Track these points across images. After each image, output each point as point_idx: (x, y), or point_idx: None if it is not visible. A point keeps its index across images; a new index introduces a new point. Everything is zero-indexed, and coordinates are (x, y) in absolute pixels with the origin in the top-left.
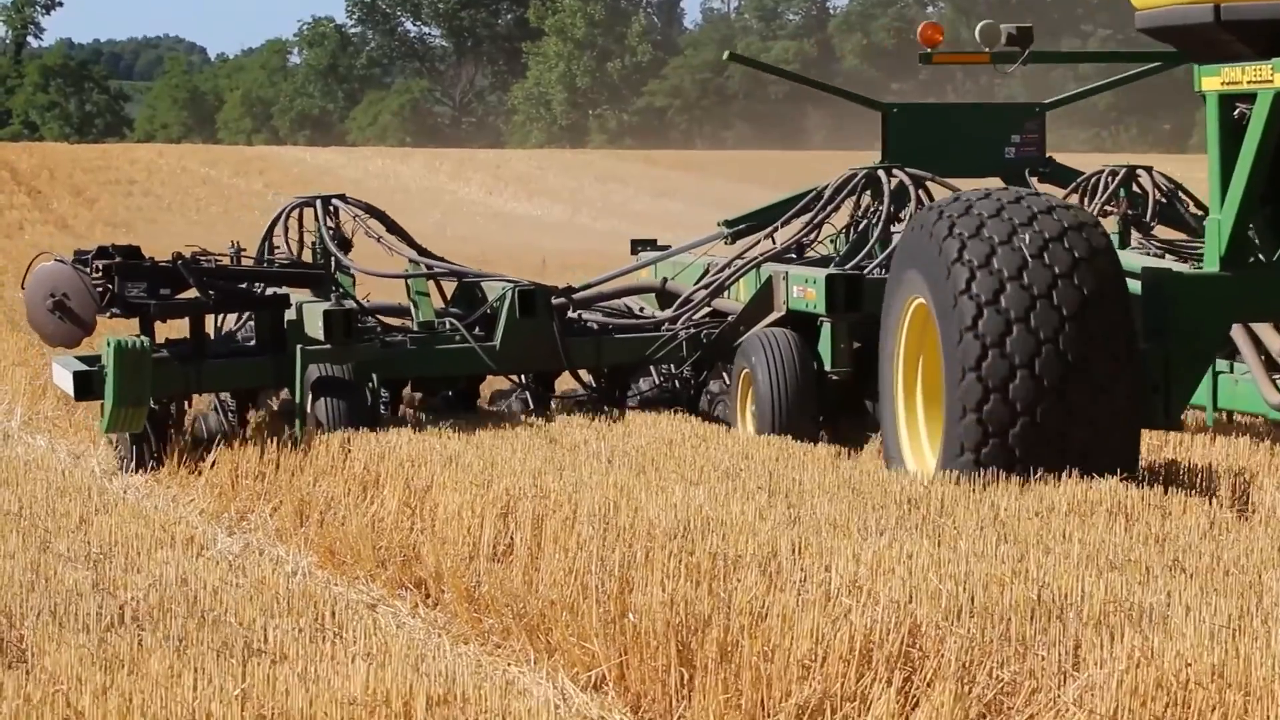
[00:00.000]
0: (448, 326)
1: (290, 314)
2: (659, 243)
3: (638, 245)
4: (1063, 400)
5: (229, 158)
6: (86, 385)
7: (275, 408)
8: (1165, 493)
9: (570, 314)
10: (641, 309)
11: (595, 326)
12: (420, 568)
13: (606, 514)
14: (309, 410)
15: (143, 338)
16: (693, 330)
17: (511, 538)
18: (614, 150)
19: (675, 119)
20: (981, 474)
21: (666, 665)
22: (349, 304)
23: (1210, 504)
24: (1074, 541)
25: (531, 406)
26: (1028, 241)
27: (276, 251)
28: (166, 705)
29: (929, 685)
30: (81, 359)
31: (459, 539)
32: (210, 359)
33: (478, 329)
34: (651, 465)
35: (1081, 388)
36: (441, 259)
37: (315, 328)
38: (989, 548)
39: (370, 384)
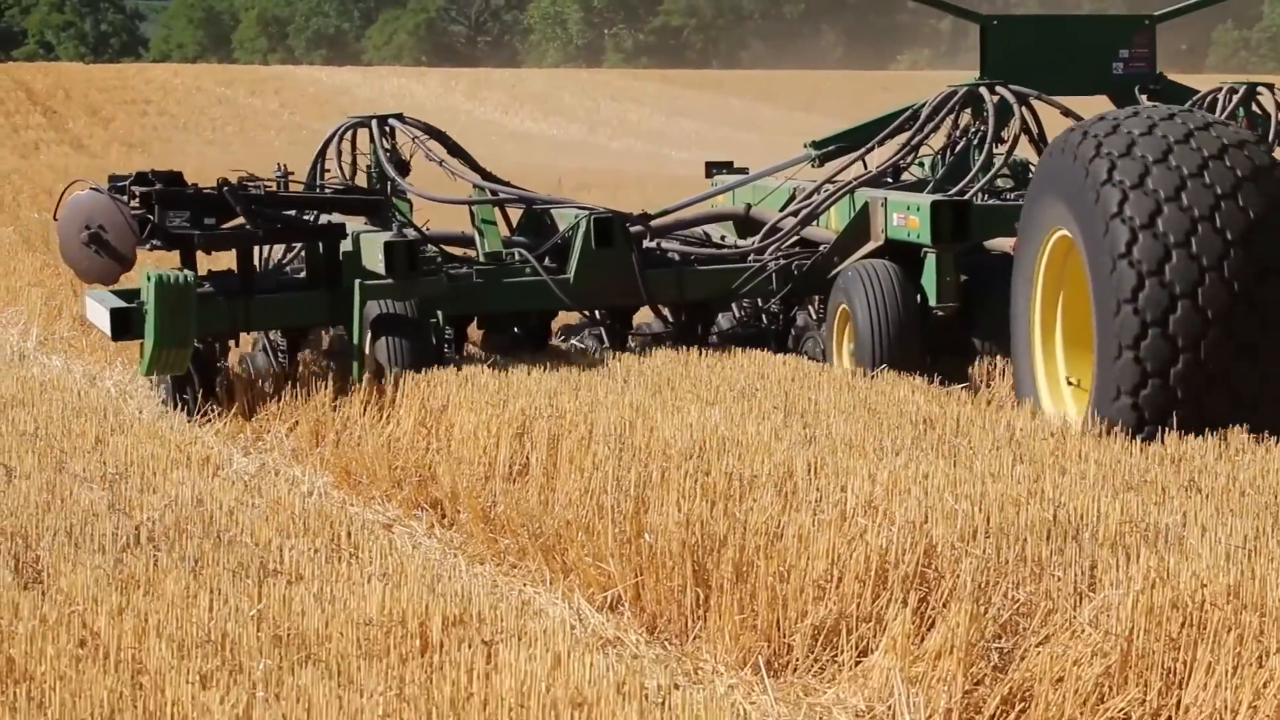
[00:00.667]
0: (516, 258)
1: (346, 245)
2: (735, 165)
3: (713, 168)
4: (1229, 334)
5: (244, 77)
6: (124, 324)
7: (325, 347)
8: None
9: (647, 243)
10: (723, 238)
11: (676, 257)
12: (436, 488)
13: (622, 434)
14: (368, 351)
15: (185, 272)
16: (782, 261)
17: (527, 457)
18: (630, 69)
19: (691, 38)
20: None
21: (682, 585)
22: (410, 233)
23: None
24: (1090, 462)
25: (605, 343)
26: (1185, 160)
27: (328, 176)
28: (182, 626)
29: (944, 606)
30: (118, 294)
31: (474, 459)
32: (259, 294)
33: (548, 260)
34: (667, 385)
35: (1250, 320)
36: (508, 183)
37: (375, 260)
38: (1005, 468)
39: (434, 321)
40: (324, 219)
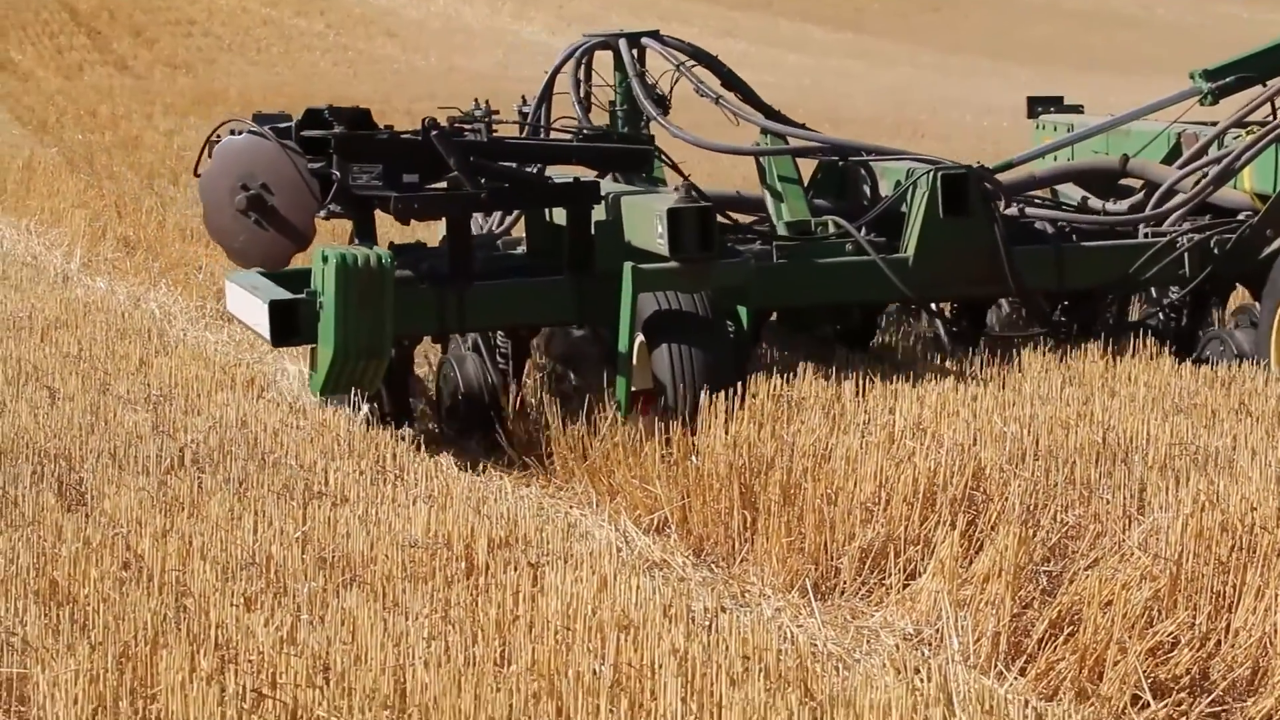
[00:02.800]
0: (830, 230)
1: (598, 212)
2: (1065, 102)
3: (1037, 104)
4: None
5: None
6: (290, 322)
7: (549, 350)
8: None
9: (1005, 210)
10: (1085, 200)
11: (1048, 229)
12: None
13: None
14: (646, 363)
15: (379, 250)
16: (1195, 236)
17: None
18: None
19: None
20: None
21: (729, 508)
22: (688, 195)
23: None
24: (1139, 385)
25: (948, 346)
26: None
27: (555, 118)
28: (226, 548)
29: (993, 529)
30: (275, 279)
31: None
32: (478, 281)
33: (869, 233)
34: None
35: None
36: (803, 126)
37: (648, 233)
38: (1054, 390)
39: (733, 321)
40: (560, 177)
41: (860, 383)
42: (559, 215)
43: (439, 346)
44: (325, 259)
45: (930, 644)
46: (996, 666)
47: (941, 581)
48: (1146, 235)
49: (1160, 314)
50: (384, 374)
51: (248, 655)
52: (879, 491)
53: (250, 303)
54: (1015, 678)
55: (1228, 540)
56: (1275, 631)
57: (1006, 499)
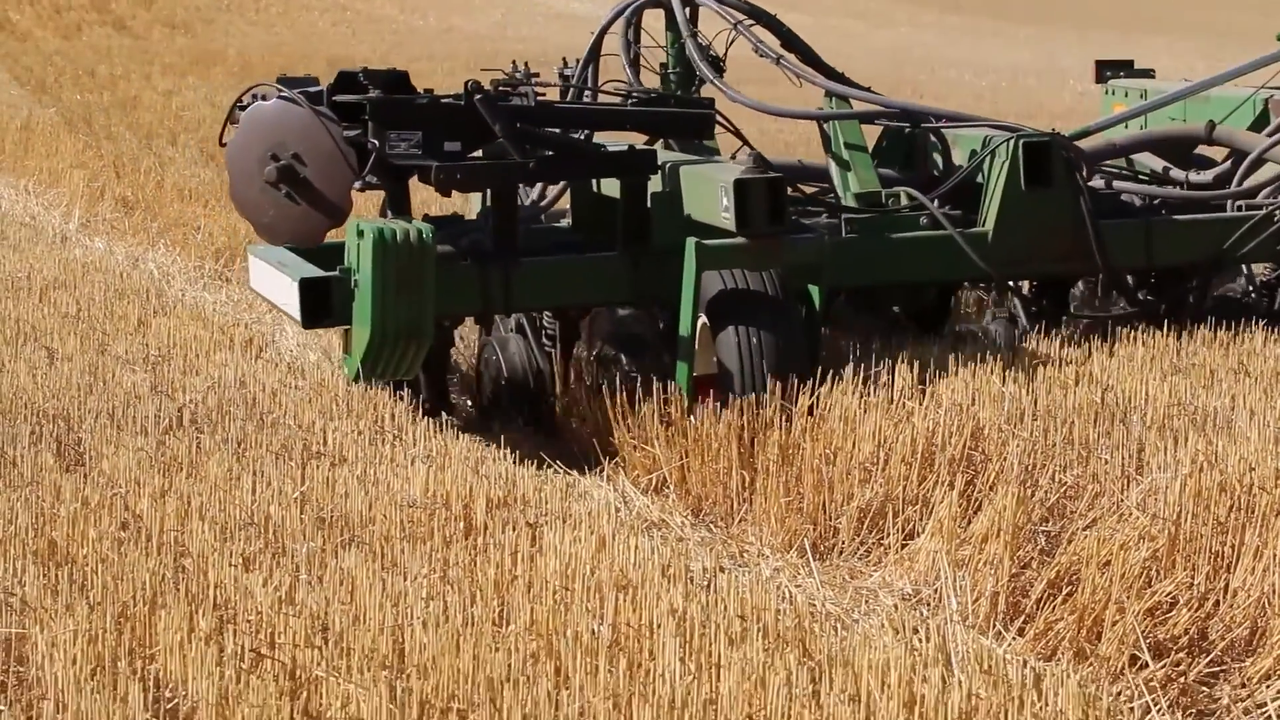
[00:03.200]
0: (902, 202)
1: (653, 183)
2: (1135, 66)
3: (1106, 69)
4: None
5: None
6: (322, 302)
7: (594, 330)
8: None
9: (1088, 181)
10: (1166, 169)
11: (1137, 202)
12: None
13: None
14: (709, 347)
15: (419, 224)
16: None
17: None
18: None
19: None
20: None
21: (728, 468)
22: (755, 164)
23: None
24: (1138, 345)
25: (1025, 327)
26: None
27: (603, 81)
28: (225, 508)
29: (991, 489)
30: (300, 253)
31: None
32: (525, 257)
33: (942, 205)
34: None
35: None
36: (867, 89)
37: (710, 206)
38: (1053, 350)
39: (804, 302)
40: (607, 145)
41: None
42: (607, 186)
43: (478, 328)
44: (361, 233)
45: (929, 604)
46: (995, 626)
47: (940, 541)
48: (1239, 208)
49: (1252, 292)
50: (421, 360)
51: (246, 615)
52: (877, 451)
53: (277, 280)
54: (1013, 638)
55: (1226, 500)
56: (1274, 592)
57: (1005, 459)
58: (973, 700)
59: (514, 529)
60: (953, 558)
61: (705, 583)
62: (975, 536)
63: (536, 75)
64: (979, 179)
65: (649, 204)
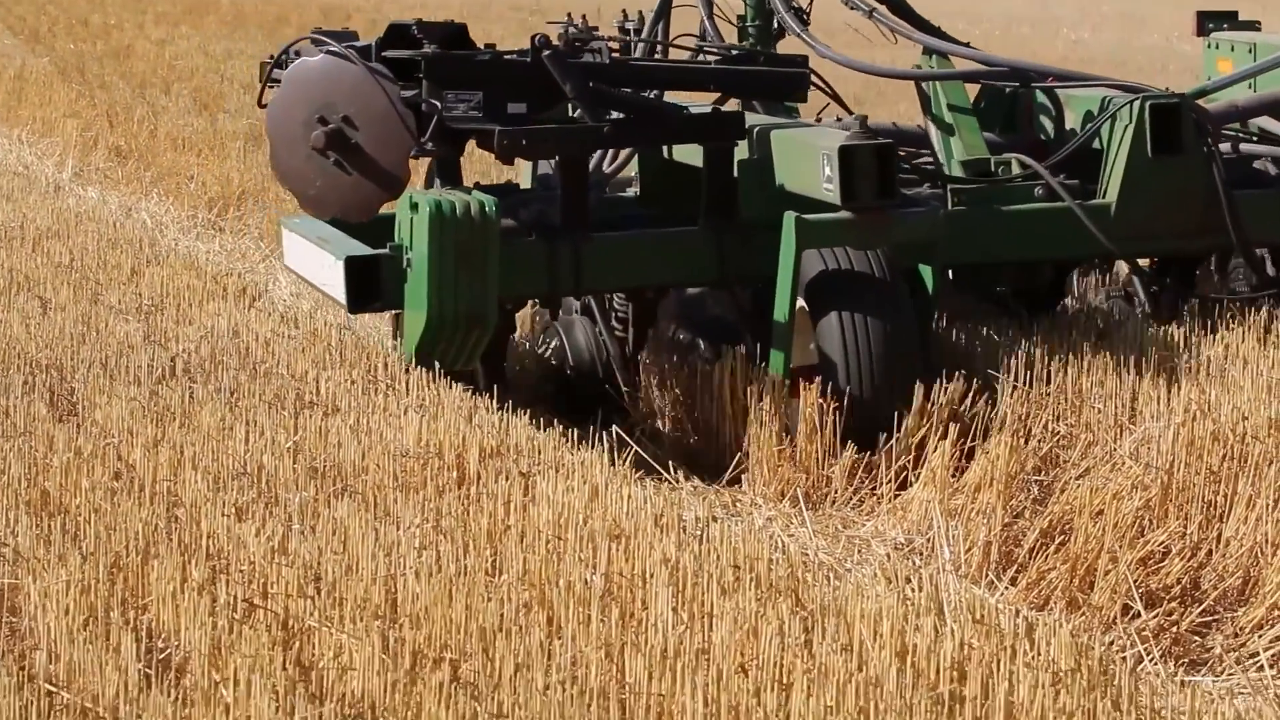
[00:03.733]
0: (1015, 170)
1: (739, 149)
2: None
3: (1208, 20)
4: None
5: None
6: (371, 283)
7: (662, 311)
8: None
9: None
10: None
11: (1272, 170)
12: None
13: None
14: (808, 335)
15: (480, 196)
16: None
17: None
18: None
19: None
20: None
21: (721, 417)
22: (853, 128)
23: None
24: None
25: (1144, 307)
26: None
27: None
28: (218, 458)
29: (984, 438)
30: (342, 227)
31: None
32: (597, 233)
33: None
34: None
35: None
36: (967, 44)
37: (810, 176)
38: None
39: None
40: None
41: None
42: (679, 151)
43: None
44: (415, 206)
45: (921, 554)
46: (987, 576)
47: (933, 491)
48: None
49: None
50: (483, 347)
51: (239, 565)
52: None
53: (317, 258)
54: (1006, 587)
55: (1219, 450)
56: (1266, 541)
57: (998, 408)
58: (965, 649)
59: (507, 478)
60: (945, 507)
61: (698, 532)
62: (968, 486)
63: (596, 29)
64: (1095, 145)
65: (735, 173)
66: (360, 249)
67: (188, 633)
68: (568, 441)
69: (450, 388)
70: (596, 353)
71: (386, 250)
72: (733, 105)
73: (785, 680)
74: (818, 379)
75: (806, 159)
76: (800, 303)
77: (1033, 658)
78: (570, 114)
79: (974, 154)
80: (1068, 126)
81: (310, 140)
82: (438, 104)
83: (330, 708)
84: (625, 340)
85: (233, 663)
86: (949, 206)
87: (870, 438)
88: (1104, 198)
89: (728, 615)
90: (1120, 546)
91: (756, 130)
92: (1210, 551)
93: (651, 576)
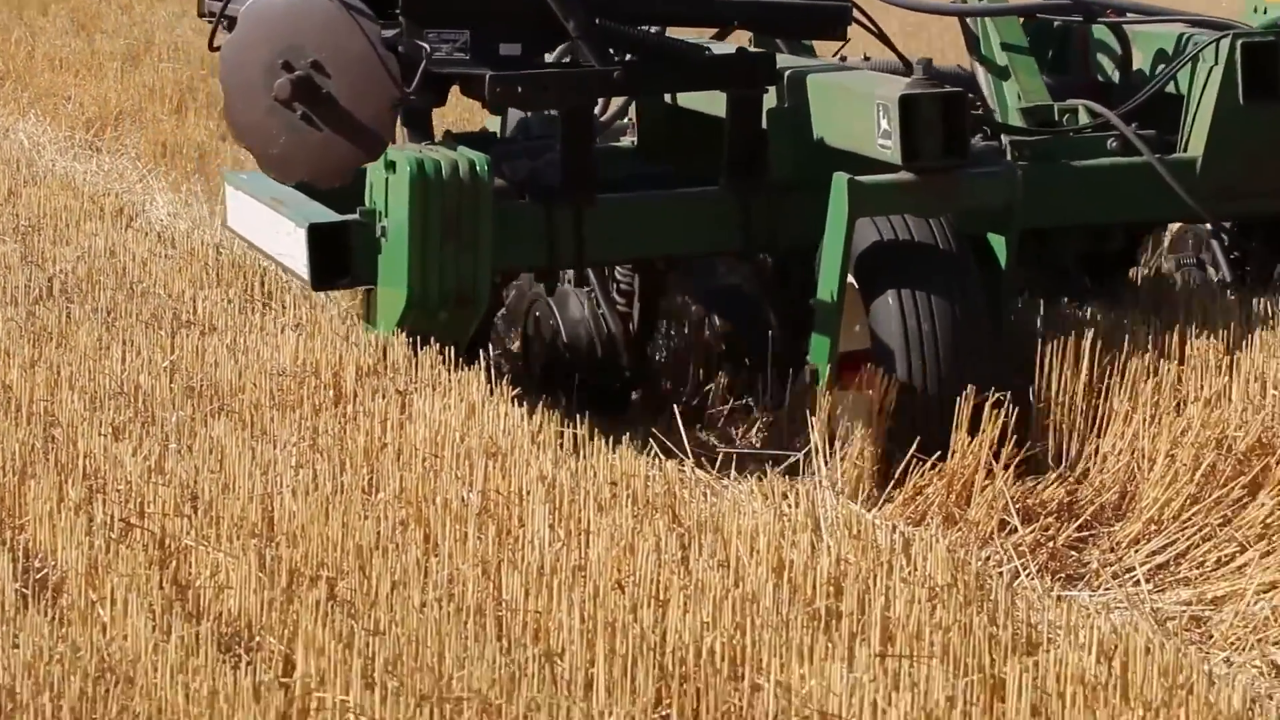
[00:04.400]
0: (1081, 119)
1: (769, 99)
2: None
3: None
4: None
5: None
6: (338, 257)
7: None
8: None
9: None
10: None
11: None
12: None
13: None
14: (859, 317)
15: (469, 153)
16: None
17: None
18: None
19: None
20: None
21: None
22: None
23: None
24: None
25: (1224, 274)
26: None
27: None
28: (94, 378)
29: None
30: (301, 186)
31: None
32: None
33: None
34: None
35: None
36: None
37: (860, 130)
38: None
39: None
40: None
41: None
42: (686, 97)
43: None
44: (391, 165)
45: (799, 471)
46: (864, 493)
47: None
48: None
49: None
50: (473, 324)
51: (116, 485)
52: None
53: (272, 222)
54: (883, 504)
55: (1097, 365)
56: (1143, 456)
57: None
58: (841, 565)
59: (384, 397)
60: (823, 424)
61: (574, 449)
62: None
63: None
64: (1170, 89)
65: (764, 124)
66: (324, 214)
67: (64, 552)
68: (444, 360)
69: (327, 307)
70: (594, 330)
71: (357, 216)
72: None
73: (662, 597)
74: (868, 366)
75: (857, 110)
76: (850, 280)
77: (909, 573)
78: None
79: (1035, 100)
80: (1135, 68)
81: (273, 90)
82: (425, 46)
83: (207, 626)
84: (630, 317)
85: (109, 582)
86: (1019, 164)
87: (934, 437)
88: (1188, 151)
89: (604, 532)
90: (996, 462)
91: (790, 75)
92: (1087, 469)
93: (528, 494)
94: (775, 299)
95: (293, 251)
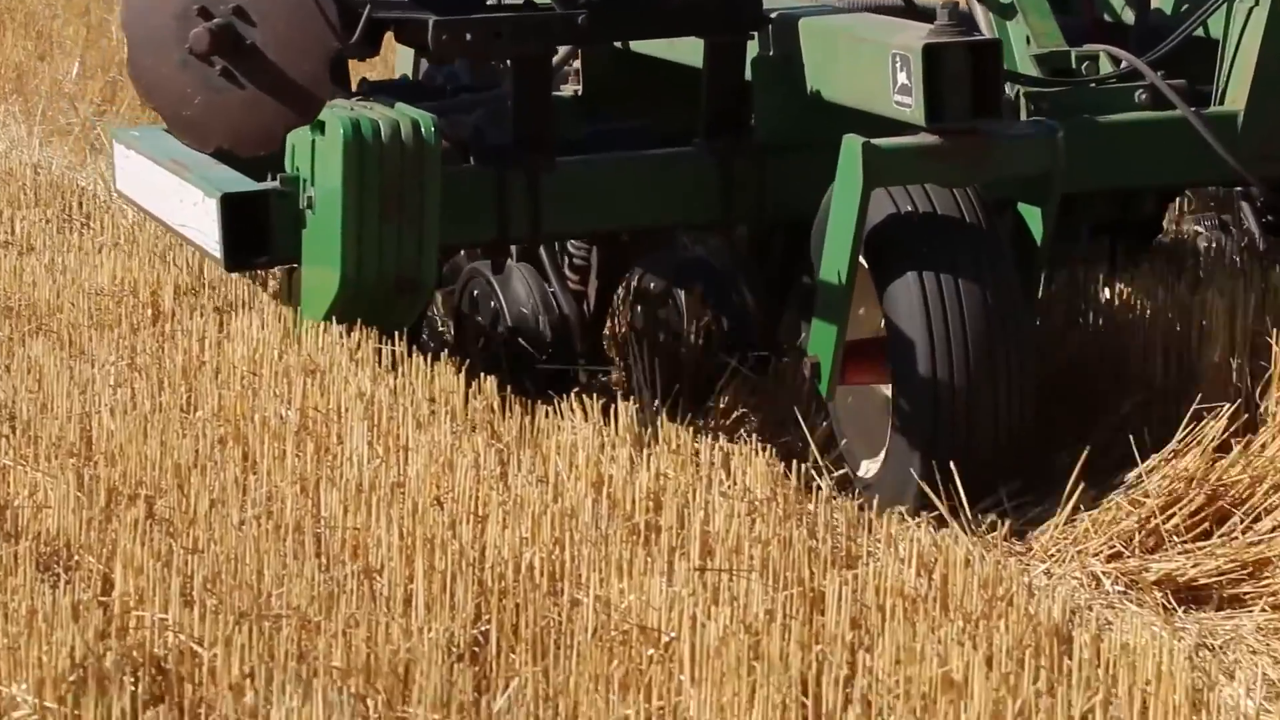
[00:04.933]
0: (1103, 68)
1: (752, 48)
2: None
3: None
4: None
5: None
6: (254, 232)
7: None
8: None
9: None
10: None
11: None
12: None
13: None
14: (871, 303)
15: (411, 111)
16: None
17: None
18: None
19: None
20: None
21: None
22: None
23: None
24: None
25: (1260, 241)
26: None
27: None
28: None
29: None
30: (217, 157)
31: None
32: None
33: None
34: None
35: None
36: None
37: (870, 83)
38: None
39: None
40: None
41: None
42: (645, 43)
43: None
44: (320, 125)
45: (620, 388)
46: (684, 407)
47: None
48: None
49: None
50: (419, 308)
51: None
52: None
53: (174, 190)
54: (703, 420)
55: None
56: None
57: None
58: (661, 480)
59: (202, 315)
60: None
61: (391, 365)
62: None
63: None
64: (1198, 33)
65: (748, 76)
66: (237, 180)
67: None
68: (261, 278)
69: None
70: (542, 310)
71: (277, 185)
72: None
73: (481, 513)
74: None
75: (867, 61)
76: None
77: (729, 486)
78: None
79: (1048, 45)
80: (1153, 6)
81: (187, 41)
82: None
83: (26, 545)
84: (584, 295)
85: None
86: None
87: (964, 443)
88: (1226, 105)
89: (423, 449)
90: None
91: (779, 19)
92: None
93: (346, 411)
94: (750, 276)
95: (200, 225)
